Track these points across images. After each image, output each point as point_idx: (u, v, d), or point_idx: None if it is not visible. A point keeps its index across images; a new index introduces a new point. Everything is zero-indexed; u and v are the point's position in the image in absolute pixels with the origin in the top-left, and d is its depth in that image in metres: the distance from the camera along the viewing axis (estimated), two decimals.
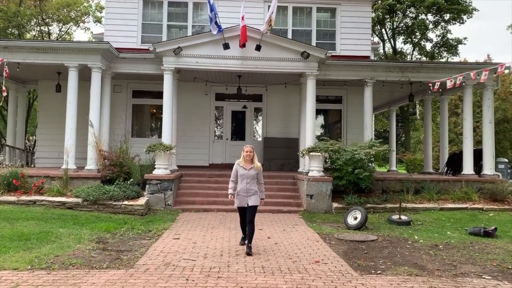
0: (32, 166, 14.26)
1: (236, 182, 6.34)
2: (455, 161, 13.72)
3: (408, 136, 27.05)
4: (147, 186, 9.92)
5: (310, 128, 11.06)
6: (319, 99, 11.57)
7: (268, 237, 7.18)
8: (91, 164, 10.57)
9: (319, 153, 10.16)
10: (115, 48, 11.15)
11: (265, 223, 8.55)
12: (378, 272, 5.31)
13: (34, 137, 17.18)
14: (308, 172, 10.49)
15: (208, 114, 14.13)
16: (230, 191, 6.38)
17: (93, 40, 18.02)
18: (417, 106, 30.61)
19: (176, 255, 5.83)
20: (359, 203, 9.86)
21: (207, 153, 14.03)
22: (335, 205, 10.05)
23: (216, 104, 14.32)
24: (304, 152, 10.54)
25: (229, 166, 13.85)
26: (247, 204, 6.25)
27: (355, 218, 8.39)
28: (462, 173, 12.09)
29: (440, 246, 6.89)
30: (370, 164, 10.68)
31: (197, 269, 5.19)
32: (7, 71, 9.96)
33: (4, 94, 10.24)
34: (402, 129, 23.94)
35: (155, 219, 8.81)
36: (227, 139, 14.32)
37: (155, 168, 10.13)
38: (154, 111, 14.62)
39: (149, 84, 13.39)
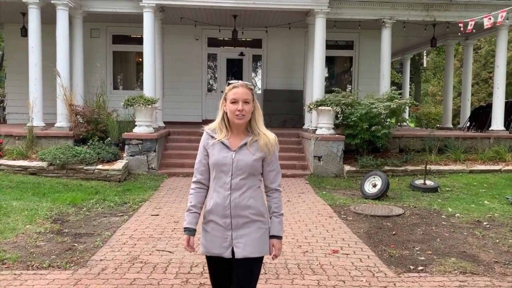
0: (4, 122, 12.69)
1: (205, 183, 2.23)
2: (480, 115, 12.13)
3: (418, 88, 25.20)
4: (126, 146, 8.42)
5: (318, 78, 9.38)
6: (327, 45, 9.79)
7: None
8: (62, 121, 9.00)
9: (329, 107, 8.56)
10: None
11: None
12: (420, 268, 3.92)
13: (1, 90, 15.43)
14: (316, 129, 8.95)
15: (199, 62, 12.36)
16: (187, 213, 2.27)
17: None
18: (424, 55, 28.44)
19: (149, 243, 4.42)
20: (375, 166, 8.42)
21: (199, 107, 12.40)
22: (347, 168, 8.60)
23: (208, 51, 12.50)
24: (311, 106, 8.94)
25: None
26: (232, 254, 2.14)
27: (374, 186, 6.97)
28: (490, 129, 10.56)
29: (485, 223, 5.50)
30: (388, 120, 9.11)
31: (173, 268, 3.78)
32: None
33: None
34: (412, 80, 22.14)
35: (135, 186, 7.40)
36: (221, 91, 12.59)
37: (135, 125, 8.58)
38: (140, 59, 12.81)
39: (133, 28, 11.49)
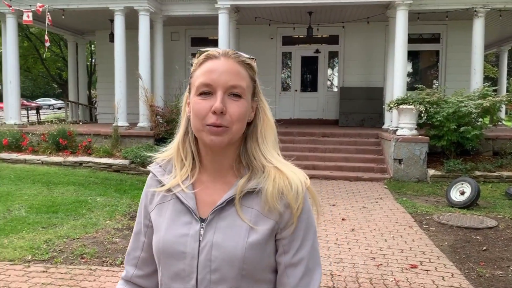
0: (95, 122, 13.81)
1: (144, 285, 1.07)
2: None
3: None
4: None
5: (399, 74, 8.76)
6: (409, 38, 9.11)
7: (343, 219, 5.46)
8: (143, 121, 9.51)
9: (411, 106, 7.94)
10: None
11: (340, 196, 6.80)
12: None
13: (94, 92, 16.83)
14: (396, 130, 8.36)
15: (273, 61, 12.27)
16: None
17: None
18: None
19: None
20: (463, 170, 7.62)
21: (273, 106, 12.04)
22: (431, 172, 7.91)
23: (283, 49, 12.36)
24: (391, 105, 8.38)
25: (299, 122, 12.20)
26: None
27: (462, 193, 6.28)
28: None
29: None
30: (480, 120, 8.21)
31: None
32: (50, 18, 8.99)
33: (47, 44, 9.38)
34: (510, 74, 19.89)
35: None
36: (296, 90, 12.43)
37: None
38: None
39: (210, 30, 11.75)
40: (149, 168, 1.07)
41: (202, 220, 0.94)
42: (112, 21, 11.11)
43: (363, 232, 4.92)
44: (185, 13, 9.99)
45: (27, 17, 8.74)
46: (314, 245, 0.96)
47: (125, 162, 8.17)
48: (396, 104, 8.19)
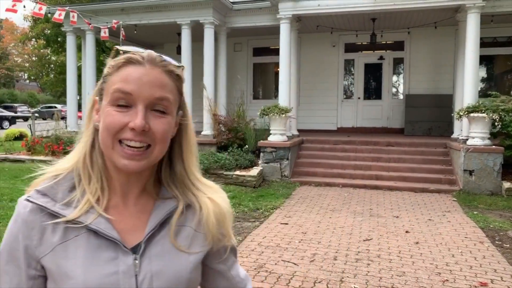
0: None
1: None
2: None
3: None
4: (261, 154, 8.75)
5: (470, 80, 8.27)
6: (482, 42, 8.58)
7: (406, 231, 5.26)
8: (207, 130, 9.88)
9: (483, 114, 7.45)
10: (231, 2, 9.99)
11: (404, 207, 6.55)
12: None
13: None
14: (467, 139, 7.89)
15: (335, 69, 12.15)
16: None
17: None
18: None
19: (275, 252, 4.45)
20: None
21: (335, 115, 12.18)
22: (506, 185, 7.34)
23: (345, 56, 12.20)
24: (461, 113, 7.93)
25: (361, 131, 11.94)
26: None
27: None
28: None
29: None
30: None
31: (296, 281, 3.71)
32: (124, 33, 9.69)
33: None
34: None
35: (268, 193, 7.60)
36: (358, 98, 12.19)
37: (270, 134, 8.86)
38: (278, 69, 13.25)
39: (271, 40, 11.95)
40: (27, 201, 0.80)
41: (134, 251, 0.80)
42: (179, 34, 11.70)
43: (428, 245, 4.70)
44: (248, 24, 10.27)
45: (104, 33, 9.49)
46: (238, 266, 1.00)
47: None
48: (466, 112, 7.73)
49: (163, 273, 0.81)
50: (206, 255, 0.90)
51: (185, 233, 0.86)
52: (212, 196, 0.90)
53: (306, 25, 10.56)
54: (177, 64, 0.84)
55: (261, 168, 8.53)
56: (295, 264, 4.12)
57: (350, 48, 12.10)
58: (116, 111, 0.77)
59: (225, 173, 8.28)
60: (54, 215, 0.78)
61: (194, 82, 10.06)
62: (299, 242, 4.83)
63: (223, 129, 9.69)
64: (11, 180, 7.91)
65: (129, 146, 0.77)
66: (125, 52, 0.80)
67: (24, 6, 6.91)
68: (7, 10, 6.62)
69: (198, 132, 10.08)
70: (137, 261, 0.80)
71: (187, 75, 9.68)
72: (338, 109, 12.19)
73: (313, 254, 4.39)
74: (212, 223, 0.87)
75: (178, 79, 0.83)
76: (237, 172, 8.28)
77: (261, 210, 6.39)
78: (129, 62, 0.78)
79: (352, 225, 5.52)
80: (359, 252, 4.48)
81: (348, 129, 11.93)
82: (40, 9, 7.38)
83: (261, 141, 8.83)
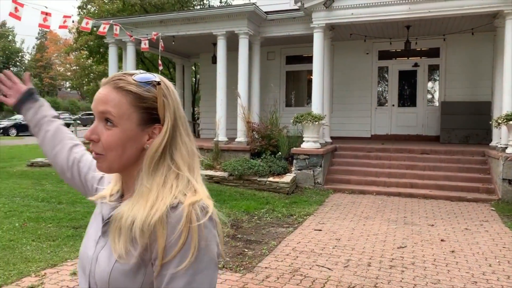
0: (198, 137, 14.94)
1: None
2: None
3: None
4: (294, 161, 8.88)
5: (509, 87, 8.08)
6: None
7: (442, 240, 5.24)
8: (241, 137, 10.11)
9: None
10: (265, 12, 10.24)
11: (440, 216, 6.49)
12: None
13: (197, 109, 18.15)
14: (506, 147, 7.72)
15: (369, 76, 12.12)
16: None
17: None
18: None
19: (310, 257, 4.57)
20: None
21: (368, 122, 12.13)
22: None
23: (379, 64, 12.16)
24: (499, 121, 7.77)
25: (395, 138, 11.84)
26: None
27: None
28: None
29: None
30: None
31: (331, 285, 3.82)
32: (162, 44, 10.11)
33: (160, 68, 10.52)
34: None
35: (301, 200, 7.72)
36: (393, 105, 12.09)
37: (303, 141, 8.98)
38: (311, 77, 13.36)
39: (303, 48, 12.13)
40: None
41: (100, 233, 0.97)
42: (214, 44, 12.06)
43: (464, 255, 4.68)
44: (281, 34, 10.47)
45: (144, 45, 9.93)
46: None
47: (225, 174, 8.76)
48: (505, 120, 7.57)
49: (99, 261, 0.92)
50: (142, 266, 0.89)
51: (121, 236, 0.90)
52: (144, 197, 0.90)
53: (339, 33, 10.64)
54: (139, 81, 0.92)
55: (294, 175, 8.66)
56: (329, 269, 4.23)
57: (384, 55, 12.05)
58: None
59: (258, 179, 8.46)
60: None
61: (229, 90, 10.33)
62: (333, 248, 4.92)
63: (256, 136, 9.89)
64: (58, 183, 8.41)
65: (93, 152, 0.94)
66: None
67: (73, 21, 7.43)
68: (60, 27, 7.11)
69: (232, 139, 10.33)
70: (99, 237, 0.97)
71: (222, 84, 10.00)
72: (372, 116, 12.14)
73: (347, 260, 4.48)
74: (129, 222, 0.89)
75: (132, 95, 0.91)
76: (271, 179, 8.44)
77: (294, 216, 6.51)
78: (101, 84, 0.97)
79: (386, 233, 5.56)
80: (393, 259, 4.53)
81: (382, 137, 11.86)
82: (87, 23, 7.86)
83: (294, 148, 8.96)
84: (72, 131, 9.88)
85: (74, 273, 3.94)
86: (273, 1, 11.78)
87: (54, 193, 7.54)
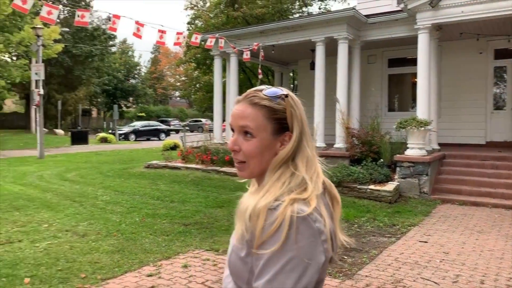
0: None
1: None
2: None
3: None
4: (397, 169, 8.50)
5: None
6: None
7: None
8: (339, 143, 10.00)
9: None
10: (364, 15, 10.04)
11: None
12: None
13: None
14: None
15: (483, 78, 11.06)
16: None
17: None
18: None
19: (414, 269, 4.37)
20: None
21: (483, 127, 11.04)
22: None
23: (495, 64, 11.03)
24: None
25: None
26: None
27: None
28: None
29: None
30: None
31: None
32: (263, 54, 10.51)
33: (260, 76, 10.92)
34: None
35: (404, 209, 7.36)
36: None
37: (407, 147, 8.55)
38: (415, 80, 12.65)
39: (407, 50, 11.52)
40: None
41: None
42: (312, 50, 12.15)
43: None
44: (383, 36, 10.14)
45: (246, 55, 10.44)
46: (276, 272, 0.91)
47: None
48: None
49: (229, 251, 1.08)
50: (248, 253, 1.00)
51: (238, 223, 1.03)
52: (257, 192, 1.04)
53: (447, 33, 9.93)
54: (270, 95, 1.05)
55: (397, 183, 8.29)
56: (435, 283, 4.00)
57: (501, 54, 10.90)
58: (231, 137, 1.11)
59: (358, 187, 8.28)
60: None
61: (327, 96, 10.30)
62: (440, 261, 4.63)
63: (356, 142, 9.69)
64: (170, 184, 9.23)
65: (235, 161, 1.08)
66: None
67: (184, 37, 8.17)
68: (175, 44, 7.88)
69: (330, 145, 10.26)
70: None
71: (320, 90, 10.03)
72: (487, 121, 11.04)
73: (456, 275, 4.19)
74: (238, 210, 1.03)
75: (265, 109, 1.04)
76: (371, 187, 8.20)
77: (397, 226, 6.25)
78: (236, 101, 1.11)
79: (503, 249, 5.05)
80: (511, 278, 4.11)
81: (498, 144, 10.71)
82: (196, 38, 8.56)
83: (397, 155, 8.58)
84: (181, 137, 10.82)
85: (186, 266, 4.33)
86: (373, 4, 11.47)
87: (167, 193, 8.30)
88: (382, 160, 8.92)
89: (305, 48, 11.91)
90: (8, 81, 18.36)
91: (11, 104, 48.78)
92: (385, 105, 12.64)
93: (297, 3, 17.49)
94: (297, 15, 17.90)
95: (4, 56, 20.23)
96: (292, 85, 19.78)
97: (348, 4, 19.50)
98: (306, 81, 13.57)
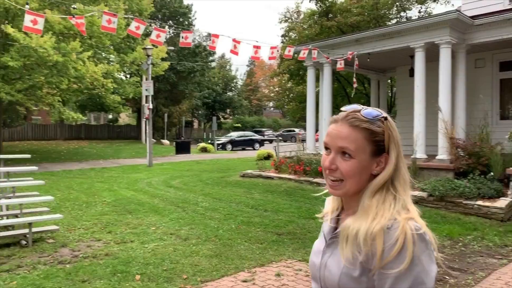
0: None
1: None
2: None
3: None
4: (510, 183, 7.65)
5: None
6: None
7: None
8: (442, 154, 9.33)
9: None
10: (470, 17, 9.30)
11: None
12: None
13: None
14: None
15: None
16: None
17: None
18: None
19: None
20: None
21: None
22: None
23: None
24: None
25: None
26: None
27: None
28: None
29: None
30: None
31: None
32: (357, 62, 10.32)
33: (355, 85, 10.70)
34: None
35: None
36: None
37: None
38: None
39: None
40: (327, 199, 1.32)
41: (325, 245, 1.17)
42: (411, 56, 11.58)
43: None
44: (492, 38, 9.28)
45: (340, 65, 10.34)
46: None
47: (423, 194, 8.24)
48: None
49: (328, 267, 1.11)
50: (368, 270, 1.04)
51: (348, 248, 1.06)
52: (368, 214, 1.06)
53: None
54: (370, 117, 1.08)
55: (511, 199, 7.46)
56: None
57: None
58: (325, 154, 1.13)
59: (464, 202, 7.63)
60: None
61: (428, 104, 9.71)
62: None
63: (461, 154, 8.95)
64: (264, 193, 9.50)
65: (330, 178, 1.11)
66: (342, 111, 1.14)
67: (278, 51, 8.44)
68: (270, 58, 8.19)
69: (432, 156, 9.63)
70: (324, 249, 1.16)
71: (420, 98, 9.54)
72: None
73: None
74: (352, 234, 1.05)
75: (365, 131, 1.08)
76: (479, 202, 7.49)
77: (510, 247, 5.64)
78: (332, 121, 1.13)
79: None
80: None
81: None
82: (289, 51, 8.77)
83: (511, 168, 7.73)
84: (275, 147, 11.10)
85: (278, 274, 4.44)
86: (480, 4, 10.54)
87: (261, 202, 8.55)
88: (492, 173, 8.11)
89: (404, 54, 11.40)
90: (123, 97, 20.62)
91: (125, 117, 54.62)
92: (496, 112, 11.46)
93: (395, 9, 16.80)
94: (395, 20, 17.16)
95: (119, 75, 22.75)
96: (390, 93, 18.97)
97: (452, 5, 18.14)
98: (405, 89, 12.94)
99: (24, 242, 5.37)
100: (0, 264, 4.66)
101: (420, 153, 9.53)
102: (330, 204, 1.25)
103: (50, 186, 10.39)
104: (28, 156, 7.61)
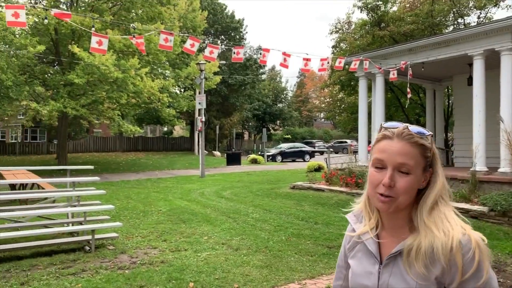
0: (451, 165, 13.78)
1: None
2: None
3: None
4: None
5: None
6: None
7: None
8: (505, 166, 8.79)
9: None
10: None
11: None
12: None
13: (451, 135, 16.65)
14: None
15: None
16: None
17: None
18: None
19: None
20: None
21: None
22: None
23: None
24: None
25: None
26: None
27: None
28: None
29: None
30: None
31: None
32: (411, 72, 10.05)
33: (409, 95, 10.40)
34: None
35: None
36: None
37: None
38: None
39: None
40: (346, 216, 1.32)
41: (381, 263, 1.16)
42: (470, 64, 11.08)
43: None
44: None
45: (393, 75, 10.11)
46: None
47: (484, 209, 7.80)
48: None
49: (393, 287, 1.11)
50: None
51: (414, 263, 1.08)
52: (436, 229, 1.08)
53: None
54: (422, 134, 1.12)
55: None
56: None
57: None
58: (375, 171, 1.13)
59: None
60: (354, 230, 1.27)
61: (488, 114, 9.23)
62: None
63: None
64: (314, 205, 9.44)
65: (381, 195, 1.10)
66: (384, 126, 1.16)
67: (328, 62, 8.43)
68: (320, 70, 8.22)
69: (493, 169, 9.10)
70: (380, 270, 1.16)
71: (479, 107, 9.13)
72: None
73: None
74: (430, 251, 1.07)
75: (421, 147, 1.11)
76: None
77: None
78: (384, 137, 1.14)
79: None
80: None
81: None
82: (339, 62, 8.74)
83: None
84: (325, 158, 10.99)
85: (329, 287, 4.41)
86: None
87: (311, 214, 8.51)
88: None
89: (460, 63, 10.95)
90: (177, 110, 21.46)
91: (179, 130, 56.59)
92: None
93: (451, 15, 16.15)
94: (451, 28, 16.49)
95: (174, 89, 23.73)
96: (447, 103, 18.16)
97: None
98: (463, 98, 12.38)
99: (87, 248, 5.75)
100: (67, 267, 5.02)
101: (480, 166, 9.05)
102: (361, 222, 1.26)
103: (110, 195, 11.02)
104: (92, 167, 8.14)
